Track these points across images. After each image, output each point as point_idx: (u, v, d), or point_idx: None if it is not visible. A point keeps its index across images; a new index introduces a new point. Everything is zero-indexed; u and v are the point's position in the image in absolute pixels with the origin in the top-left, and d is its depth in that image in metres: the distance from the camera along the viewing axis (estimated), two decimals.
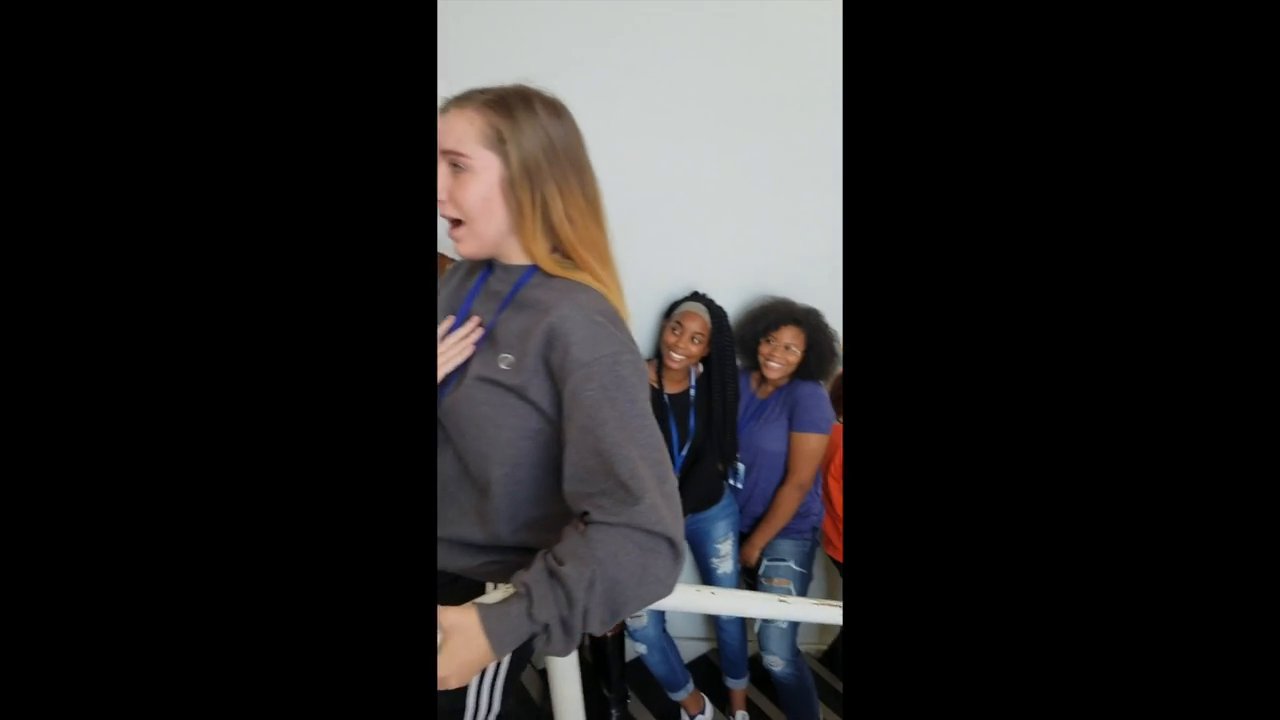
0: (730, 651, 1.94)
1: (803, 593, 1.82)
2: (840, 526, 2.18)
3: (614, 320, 0.73)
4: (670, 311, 1.70)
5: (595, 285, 0.77)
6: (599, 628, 0.61)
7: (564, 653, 0.61)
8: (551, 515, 0.76)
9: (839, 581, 2.32)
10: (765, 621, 1.78)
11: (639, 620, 1.68)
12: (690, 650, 2.27)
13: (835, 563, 2.25)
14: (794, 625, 1.77)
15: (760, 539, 1.83)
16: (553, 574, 0.60)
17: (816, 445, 1.77)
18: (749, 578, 1.93)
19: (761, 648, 1.77)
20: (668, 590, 0.64)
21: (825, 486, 2.17)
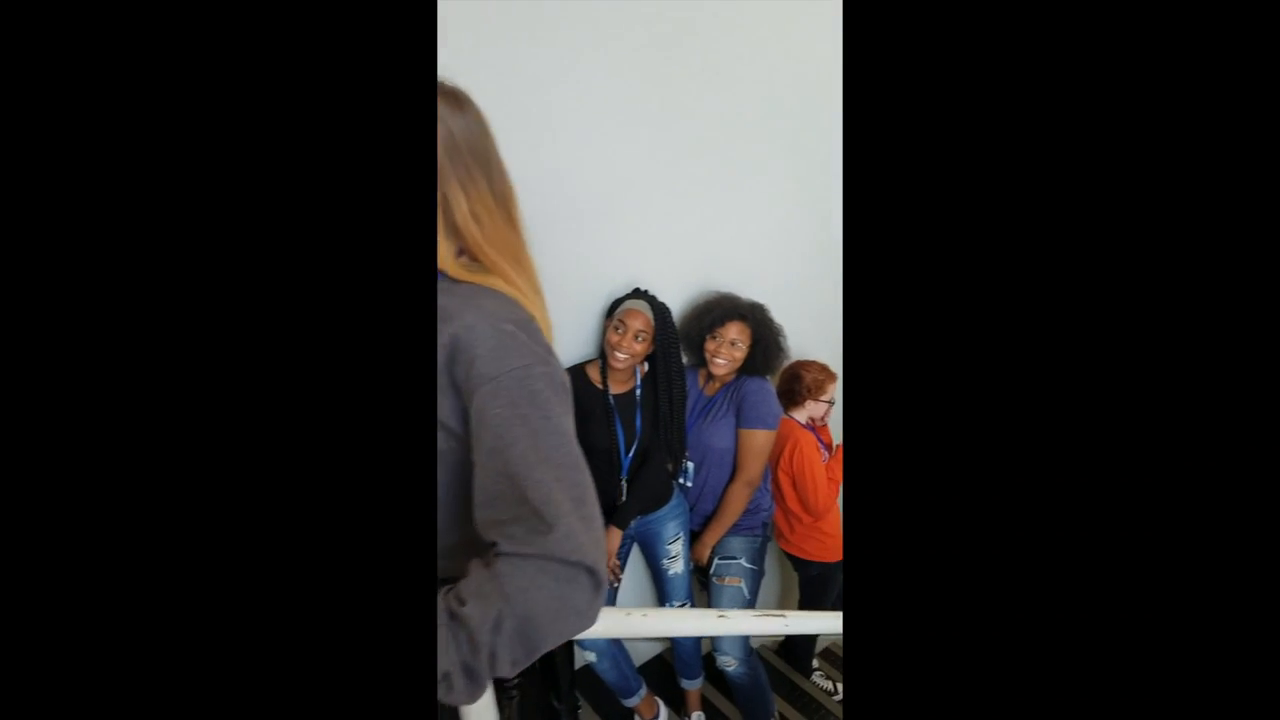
0: (684, 653, 1.91)
1: (755, 590, 1.80)
2: (792, 521, 2.18)
3: (526, 328, 0.67)
4: (612, 310, 1.65)
5: (507, 289, 0.71)
6: (510, 669, 0.56)
7: (469, 701, 0.55)
8: (465, 542, 0.70)
9: (793, 576, 2.32)
10: None
11: None
12: (644, 651, 2.24)
13: (789, 557, 2.25)
14: None
15: (711, 537, 1.81)
16: (453, 616, 0.54)
17: (764, 441, 1.74)
18: (702, 576, 1.91)
19: (715, 648, 1.75)
20: (590, 621, 0.59)
21: (775, 480, 2.16)
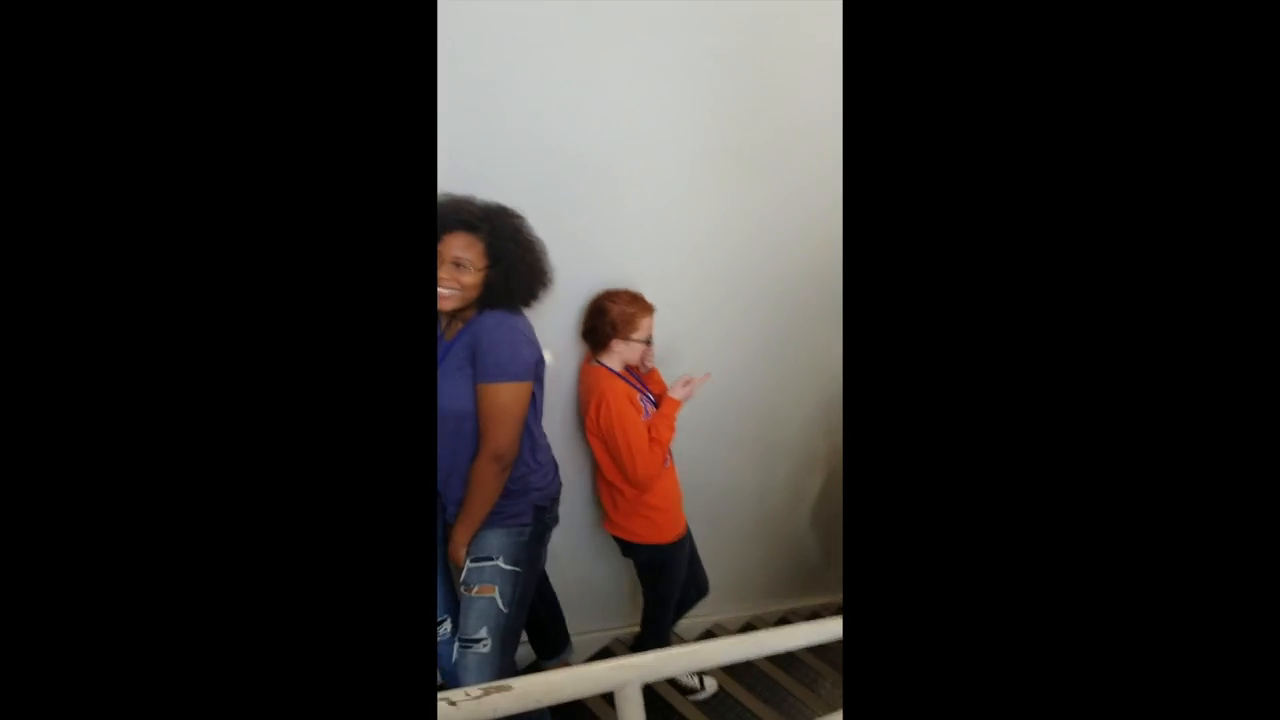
0: (447, 677, 1.46)
1: (516, 598, 1.33)
2: (614, 496, 1.72)
3: None
4: None
5: None
6: None
7: None
8: None
9: (628, 561, 1.87)
10: (461, 646, 1.30)
11: None
12: None
13: (616, 541, 1.80)
14: (499, 649, 1.29)
15: (463, 533, 1.33)
16: None
17: (510, 398, 1.25)
18: None
19: (450, 681, 1.29)
20: None
21: (589, 445, 1.69)
